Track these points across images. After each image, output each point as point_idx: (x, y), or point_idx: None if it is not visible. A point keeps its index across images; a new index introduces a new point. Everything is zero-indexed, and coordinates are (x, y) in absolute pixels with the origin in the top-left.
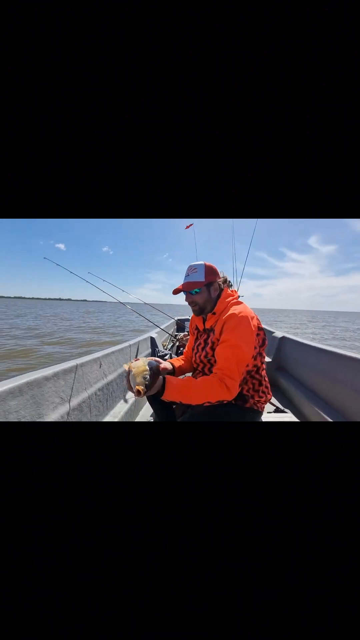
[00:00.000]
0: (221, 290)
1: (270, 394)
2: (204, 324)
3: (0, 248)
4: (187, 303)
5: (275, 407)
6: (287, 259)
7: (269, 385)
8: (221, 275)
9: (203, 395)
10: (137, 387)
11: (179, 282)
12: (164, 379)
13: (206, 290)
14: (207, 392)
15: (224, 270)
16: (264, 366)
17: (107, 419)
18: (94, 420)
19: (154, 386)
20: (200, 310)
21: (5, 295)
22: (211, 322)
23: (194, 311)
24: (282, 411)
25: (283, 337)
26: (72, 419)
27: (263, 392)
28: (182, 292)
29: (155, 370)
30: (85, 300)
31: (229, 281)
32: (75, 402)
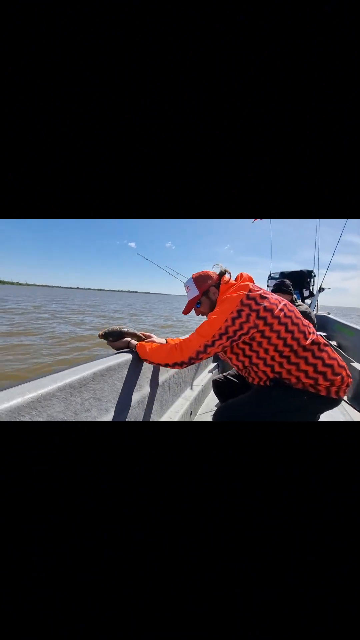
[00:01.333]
0: (219, 285)
1: (341, 377)
2: None
3: (89, 248)
4: None
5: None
6: None
7: (331, 368)
8: (217, 270)
9: (161, 354)
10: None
11: (238, 273)
12: (138, 342)
13: (206, 299)
14: (164, 353)
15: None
16: (313, 347)
17: (168, 412)
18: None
19: (120, 342)
20: None
21: (89, 287)
22: None
23: None
24: None
25: None
26: (138, 410)
27: (310, 374)
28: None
29: (117, 330)
30: (154, 293)
31: (224, 271)
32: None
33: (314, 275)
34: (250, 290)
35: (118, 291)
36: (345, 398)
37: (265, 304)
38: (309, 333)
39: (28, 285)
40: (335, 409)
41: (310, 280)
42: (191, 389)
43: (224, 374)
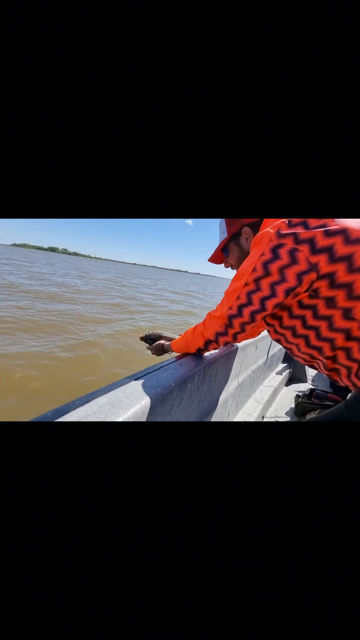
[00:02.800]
0: (259, 225)
1: None
2: None
3: (151, 228)
4: None
5: None
6: None
7: None
8: None
9: (198, 333)
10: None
11: None
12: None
13: (235, 246)
14: (199, 330)
15: None
16: None
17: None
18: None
19: (155, 345)
20: None
21: (144, 264)
22: None
23: None
24: None
25: None
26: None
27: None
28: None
29: (156, 334)
30: (204, 274)
31: None
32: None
33: None
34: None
35: (169, 269)
36: None
37: (328, 227)
38: None
39: (97, 258)
40: None
41: None
42: (261, 390)
43: (311, 387)
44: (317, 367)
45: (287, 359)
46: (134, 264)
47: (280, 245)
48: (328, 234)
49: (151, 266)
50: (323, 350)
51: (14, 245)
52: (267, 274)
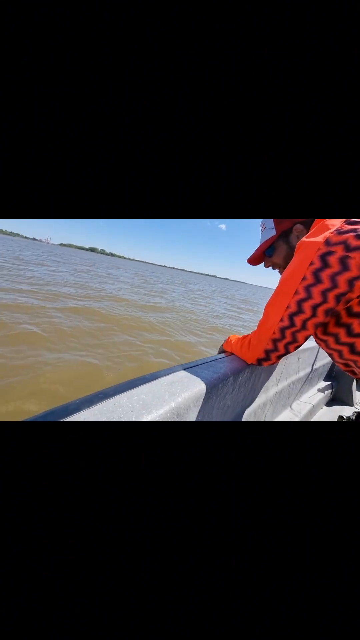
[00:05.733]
0: (311, 225)
1: None
2: None
3: (182, 232)
4: None
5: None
6: None
7: None
8: None
9: (236, 347)
10: None
11: None
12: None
13: (283, 244)
14: (237, 347)
15: None
16: None
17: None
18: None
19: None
20: None
21: (173, 267)
22: None
23: None
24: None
25: None
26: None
27: None
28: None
29: None
30: (233, 280)
31: None
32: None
33: None
34: (347, 223)
35: (197, 273)
36: None
37: None
38: None
39: (129, 259)
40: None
41: None
42: (298, 403)
43: (358, 411)
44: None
45: (331, 377)
46: (164, 266)
47: (329, 253)
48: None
49: (180, 269)
50: None
51: (61, 244)
52: (318, 281)
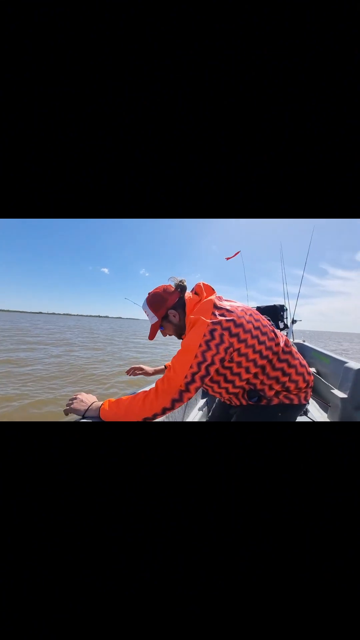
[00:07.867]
0: (183, 305)
1: (306, 383)
2: None
3: (59, 273)
4: None
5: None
6: (329, 277)
7: (296, 375)
8: (172, 283)
9: (134, 407)
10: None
11: None
12: (104, 404)
13: (167, 322)
14: (137, 405)
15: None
16: (283, 356)
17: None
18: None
19: (88, 409)
20: (179, 336)
21: (57, 312)
22: None
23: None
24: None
25: None
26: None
27: (282, 383)
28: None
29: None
30: (120, 318)
31: (180, 284)
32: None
33: (286, 309)
34: (215, 306)
35: (87, 316)
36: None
37: (234, 317)
38: (276, 337)
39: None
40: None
41: (283, 314)
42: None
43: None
44: (226, 398)
45: (206, 394)
46: (39, 312)
47: (214, 330)
48: (236, 324)
49: (63, 314)
50: (229, 390)
51: None
52: (209, 349)
